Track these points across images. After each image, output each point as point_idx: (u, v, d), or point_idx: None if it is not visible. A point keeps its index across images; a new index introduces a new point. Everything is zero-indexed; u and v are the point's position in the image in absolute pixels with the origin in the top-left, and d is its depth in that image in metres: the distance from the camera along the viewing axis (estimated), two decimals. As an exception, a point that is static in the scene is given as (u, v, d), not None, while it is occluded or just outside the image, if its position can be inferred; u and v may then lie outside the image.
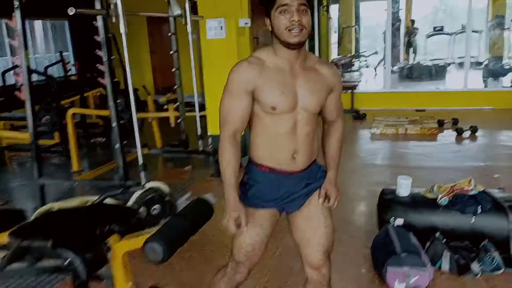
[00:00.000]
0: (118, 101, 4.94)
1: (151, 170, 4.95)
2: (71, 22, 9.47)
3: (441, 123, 6.25)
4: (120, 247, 1.87)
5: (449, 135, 5.92)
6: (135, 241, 1.81)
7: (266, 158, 1.76)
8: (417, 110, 7.43)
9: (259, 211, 1.80)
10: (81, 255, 1.70)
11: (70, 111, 5.03)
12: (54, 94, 5.66)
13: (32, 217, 2.33)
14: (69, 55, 9.79)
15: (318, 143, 1.86)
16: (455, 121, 6.27)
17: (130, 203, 3.63)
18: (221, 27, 4.80)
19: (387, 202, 3.00)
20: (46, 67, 7.91)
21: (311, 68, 1.72)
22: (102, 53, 3.54)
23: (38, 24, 10.56)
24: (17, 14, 3.62)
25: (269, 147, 1.74)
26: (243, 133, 1.81)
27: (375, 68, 12.51)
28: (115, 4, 3.31)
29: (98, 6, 3.37)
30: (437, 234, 2.76)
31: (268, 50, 1.71)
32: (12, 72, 6.80)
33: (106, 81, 3.62)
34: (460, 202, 2.81)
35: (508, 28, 11.29)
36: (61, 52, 8.08)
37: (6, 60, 9.15)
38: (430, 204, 2.90)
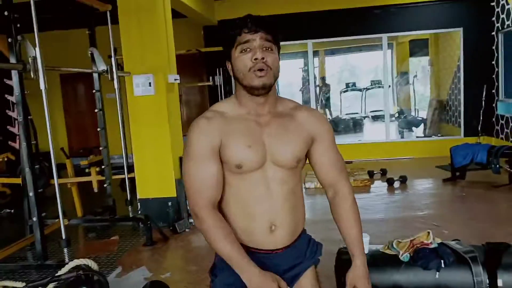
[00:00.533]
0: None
1: (71, 244, 4.38)
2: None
3: (371, 174, 6.34)
4: None
5: (380, 186, 6.00)
6: None
7: (237, 233, 1.43)
8: (345, 162, 7.52)
9: None
10: None
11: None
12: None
13: None
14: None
15: (304, 210, 1.56)
16: (383, 172, 6.41)
17: (50, 286, 3.09)
18: (150, 83, 4.52)
19: (346, 263, 2.78)
20: None
21: (283, 114, 1.45)
22: (17, 113, 3.09)
23: None
24: None
25: (241, 218, 1.43)
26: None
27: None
28: (34, 58, 2.93)
29: (13, 60, 2.97)
30: (404, 295, 2.58)
31: (228, 101, 1.46)
32: None
33: (21, 144, 3.14)
34: (422, 257, 2.68)
35: (412, 83, 12.27)
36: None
37: None
38: (391, 261, 2.73)
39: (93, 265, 3.07)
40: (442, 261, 2.63)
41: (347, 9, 7.48)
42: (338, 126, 11.47)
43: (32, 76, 2.95)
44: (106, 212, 4.75)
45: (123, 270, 3.62)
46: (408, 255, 2.71)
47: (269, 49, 1.35)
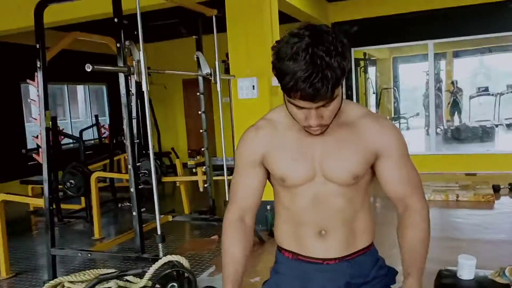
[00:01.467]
0: (141, 161, 4.73)
1: (175, 239, 4.59)
2: (109, 86, 9.64)
3: (496, 189, 5.62)
4: None
5: (507, 202, 5.28)
6: None
7: (288, 240, 1.33)
8: (467, 174, 6.81)
9: None
10: None
11: (94, 175, 4.80)
12: (83, 157, 5.51)
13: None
14: (105, 120, 9.89)
15: (371, 224, 1.36)
16: (512, 186, 5.64)
17: (145, 279, 3.25)
18: (253, 87, 4.56)
19: (447, 287, 2.46)
20: (81, 131, 7.92)
21: (345, 124, 1.25)
22: (123, 113, 3.30)
23: (79, 89, 10.88)
24: (39, 74, 3.50)
25: (289, 224, 1.32)
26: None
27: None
28: (138, 61, 3.11)
29: (120, 63, 3.19)
30: (515, 334, 2.18)
31: (281, 108, 1.29)
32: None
33: (126, 141, 3.35)
34: (542, 290, 2.25)
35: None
36: (96, 116, 8.09)
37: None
38: (502, 291, 2.35)
39: (185, 263, 3.17)
40: None
41: (472, 5, 6.74)
42: (462, 134, 10.46)
43: (136, 78, 3.12)
44: (209, 212, 4.89)
45: (216, 270, 3.68)
46: (524, 286, 2.29)
47: (327, 105, 1.12)
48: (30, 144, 7.85)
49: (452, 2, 6.77)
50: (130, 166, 3.28)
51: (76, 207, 5.97)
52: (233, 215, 1.32)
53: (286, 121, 1.26)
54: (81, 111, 11.98)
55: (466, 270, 2.47)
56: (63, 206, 5.77)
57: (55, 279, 3.43)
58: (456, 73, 14.29)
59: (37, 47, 3.43)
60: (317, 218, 1.26)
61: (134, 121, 4.30)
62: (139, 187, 3.37)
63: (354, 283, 1.27)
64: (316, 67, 1.03)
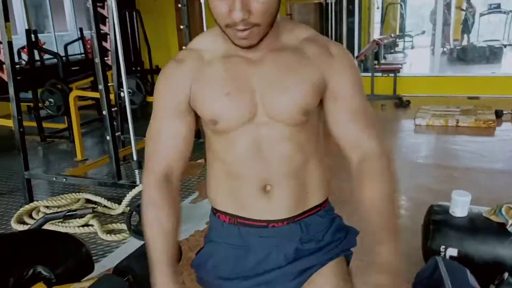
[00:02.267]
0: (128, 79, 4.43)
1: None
2: (95, -3, 9.00)
3: (499, 114, 5.35)
4: (40, 306, 1.30)
5: (509, 129, 5.05)
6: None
7: (224, 200, 1.07)
8: (469, 98, 6.51)
9: None
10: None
11: (73, 94, 4.51)
12: (62, 74, 5.18)
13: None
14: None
15: (326, 176, 1.10)
16: (516, 113, 5.38)
17: (122, 205, 3.11)
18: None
19: (437, 225, 2.28)
20: (66, 45, 7.50)
21: (287, 48, 0.98)
22: (108, 25, 2.94)
23: (66, 1, 10.23)
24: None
25: (225, 181, 1.05)
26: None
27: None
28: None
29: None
30: (506, 275, 2.03)
31: (212, 33, 1.01)
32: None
33: (111, 56, 3.03)
34: (540, 231, 2.07)
35: None
36: (81, 29, 7.61)
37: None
38: (496, 230, 2.17)
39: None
40: None
41: None
42: (468, 55, 10.00)
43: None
44: (197, 134, 4.68)
45: (199, 196, 3.53)
46: (520, 226, 2.11)
47: None
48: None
49: None
50: (100, 86, 2.98)
51: (59, 126, 5.75)
52: (156, 175, 1.02)
53: (215, 47, 0.99)
54: (69, 25, 11.38)
55: (460, 207, 2.28)
56: (46, 125, 5.55)
57: (30, 203, 3.30)
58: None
59: None
60: (260, 170, 1.00)
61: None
62: (114, 108, 3.10)
63: (305, 249, 1.04)
64: None
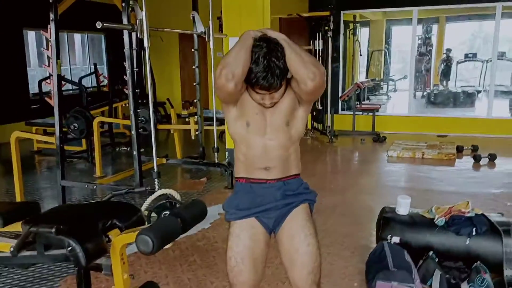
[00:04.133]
0: (139, 110, 5.24)
1: (168, 180, 5.19)
2: (107, 36, 9.95)
3: (460, 149, 6.23)
4: (119, 240, 2.05)
5: (466, 161, 5.90)
6: (132, 236, 1.97)
7: (243, 172, 1.86)
8: (438, 136, 7.42)
9: (237, 223, 1.85)
10: (81, 243, 1.88)
11: (97, 120, 5.31)
12: (85, 103, 5.99)
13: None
14: (103, 67, 10.28)
15: (299, 162, 1.88)
16: (474, 148, 6.24)
17: (142, 208, 3.84)
18: (243, 46, 4.99)
19: (386, 220, 3.07)
20: (81, 78, 8.34)
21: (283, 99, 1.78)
22: (126, 65, 3.78)
23: (77, 37, 11.15)
24: (51, 26, 3.93)
25: (246, 164, 1.84)
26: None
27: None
28: (141, 20, 3.56)
29: (125, 21, 3.64)
30: (430, 253, 2.81)
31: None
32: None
33: (129, 91, 3.85)
34: (457, 223, 2.86)
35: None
36: (95, 64, 8.50)
37: (45, 70, 9.70)
38: (427, 224, 2.96)
39: (177, 196, 3.77)
40: (474, 229, 2.80)
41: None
42: (445, 98, 10.98)
43: (138, 35, 3.59)
44: (200, 157, 5.46)
45: (203, 205, 4.28)
46: (444, 219, 2.92)
47: (277, 90, 1.66)
48: (32, 89, 8.31)
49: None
50: (131, 112, 3.79)
51: (76, 148, 6.51)
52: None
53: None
54: (78, 59, 12.30)
55: (403, 207, 3.09)
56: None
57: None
58: (448, 39, 14.60)
59: (50, 1, 3.84)
60: (264, 161, 1.80)
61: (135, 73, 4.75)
62: (140, 130, 3.89)
63: (287, 195, 1.85)
64: (270, 69, 1.60)
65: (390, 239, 2.96)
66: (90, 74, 8.94)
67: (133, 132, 3.80)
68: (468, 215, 2.88)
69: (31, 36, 11.22)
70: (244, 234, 1.82)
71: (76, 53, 12.21)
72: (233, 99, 1.75)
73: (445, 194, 4.55)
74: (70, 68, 9.91)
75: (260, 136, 1.78)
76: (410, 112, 8.29)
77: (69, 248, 1.89)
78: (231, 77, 1.58)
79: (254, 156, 1.80)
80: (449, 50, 13.63)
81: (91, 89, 9.49)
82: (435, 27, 14.02)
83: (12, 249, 2.01)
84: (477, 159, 5.75)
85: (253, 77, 1.61)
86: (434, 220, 2.93)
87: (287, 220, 1.84)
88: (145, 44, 3.63)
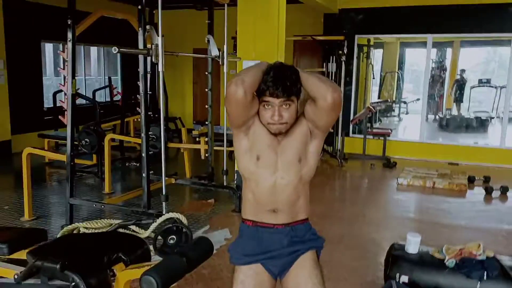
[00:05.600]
0: (152, 126, 5.26)
1: (176, 200, 5.17)
2: (123, 50, 10.05)
3: (471, 180, 6.14)
4: (124, 276, 2.04)
5: (478, 193, 5.80)
6: (137, 272, 1.96)
7: (250, 213, 1.84)
8: (450, 163, 7.34)
9: (241, 268, 1.82)
10: (85, 279, 1.87)
11: (108, 136, 5.34)
12: (98, 118, 6.04)
13: (57, 236, 2.53)
14: (117, 79, 10.38)
15: (308, 205, 1.85)
16: (486, 179, 6.15)
17: (149, 231, 3.83)
18: (257, 69, 5.01)
19: (394, 258, 3.02)
20: (94, 91, 8.43)
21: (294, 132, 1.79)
22: (140, 86, 3.80)
23: (93, 49, 11.29)
24: (69, 46, 3.98)
25: (253, 203, 1.84)
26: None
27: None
28: (156, 45, 3.59)
29: (141, 45, 3.67)
30: (438, 295, 2.75)
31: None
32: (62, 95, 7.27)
33: (141, 112, 3.87)
34: (467, 266, 2.80)
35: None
36: (109, 78, 8.59)
37: (59, 79, 9.81)
38: (437, 264, 2.90)
39: (184, 220, 3.75)
40: (485, 272, 2.74)
41: (471, 4, 7.10)
42: (457, 124, 10.89)
43: (153, 60, 3.61)
44: (208, 178, 5.45)
45: (210, 229, 4.26)
46: (454, 261, 2.86)
47: (288, 105, 1.67)
48: (46, 99, 8.41)
49: (451, 0, 7.13)
50: (143, 134, 3.80)
51: (86, 162, 6.54)
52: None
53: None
54: (94, 70, 12.43)
55: (412, 245, 3.04)
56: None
57: (72, 224, 4.02)
58: (462, 63, 14.53)
59: (69, 22, 3.89)
60: (273, 202, 1.77)
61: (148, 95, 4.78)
62: (150, 152, 3.89)
63: (294, 241, 1.81)
64: (280, 76, 1.65)
65: (399, 278, 2.91)
66: (104, 87, 9.03)
67: (143, 154, 3.81)
68: (480, 258, 2.82)
69: (48, 45, 11.40)
70: (248, 281, 1.79)
71: (91, 65, 12.34)
72: (243, 116, 1.72)
73: (455, 228, 4.48)
74: (85, 79, 10.01)
75: (271, 173, 1.76)
76: (421, 138, 8.22)
77: (73, 284, 1.88)
78: (240, 83, 1.61)
79: (262, 195, 1.78)
80: (463, 71, 13.53)
81: (104, 102, 9.57)
82: (449, 51, 14.01)
83: (16, 276, 2.01)
84: (488, 191, 5.66)
85: (263, 85, 1.65)
86: (445, 261, 2.87)
87: (294, 267, 1.81)
88: (160, 69, 3.65)
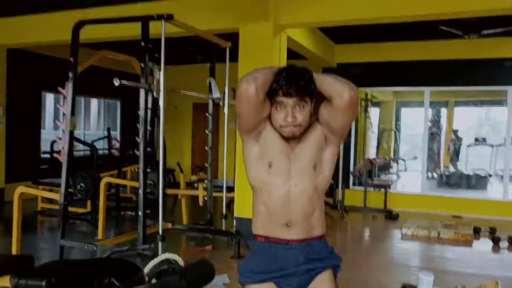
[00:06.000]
0: (149, 170, 5.15)
1: (172, 246, 4.96)
2: (123, 102, 10.16)
3: (477, 231, 5.96)
4: (116, 301, 1.86)
5: (485, 243, 5.61)
6: (131, 297, 1.79)
7: (262, 228, 1.73)
8: (453, 216, 7.17)
9: (254, 287, 1.69)
10: (74, 301, 1.70)
11: (104, 180, 5.22)
12: (95, 164, 5.94)
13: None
14: (116, 134, 10.38)
15: (323, 220, 1.73)
16: (492, 230, 5.96)
17: (144, 272, 3.62)
18: (256, 114, 5.00)
19: (406, 298, 2.82)
20: (93, 141, 8.38)
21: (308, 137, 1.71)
22: (140, 124, 3.75)
23: (94, 103, 11.41)
24: (70, 85, 3.98)
25: (265, 217, 1.73)
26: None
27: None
28: (158, 80, 3.58)
29: (142, 80, 3.67)
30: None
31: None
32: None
33: (140, 149, 3.79)
34: (485, 305, 2.61)
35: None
36: (108, 128, 8.58)
37: (58, 133, 9.81)
38: (452, 305, 2.71)
39: (181, 262, 3.55)
40: (505, 312, 2.54)
41: (467, 59, 7.28)
42: (456, 180, 10.84)
43: (154, 95, 3.59)
44: (206, 225, 5.26)
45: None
46: (470, 301, 2.66)
47: (302, 106, 1.60)
48: (43, 147, 8.34)
49: (447, 55, 7.32)
50: (141, 170, 3.70)
51: (79, 210, 6.36)
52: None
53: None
54: (93, 124, 12.49)
55: (425, 285, 2.84)
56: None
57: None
58: (457, 122, 14.76)
59: (71, 60, 3.92)
60: (287, 213, 1.65)
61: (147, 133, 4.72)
62: (147, 190, 3.77)
63: (310, 258, 1.67)
64: (292, 75, 1.59)
65: (411, 320, 2.70)
66: (103, 138, 8.99)
67: (141, 191, 3.69)
68: (497, 297, 2.64)
69: (49, 98, 11.51)
70: None
71: (91, 119, 12.43)
72: (254, 117, 1.63)
73: (464, 276, 4.27)
74: (84, 133, 10.02)
75: (284, 181, 1.64)
76: (423, 190, 8.10)
77: (60, 306, 1.71)
78: (252, 80, 1.54)
79: (275, 206, 1.65)
80: (455, 131, 13.73)
81: (102, 152, 9.50)
82: (444, 111, 14.25)
83: (-3, 300, 1.84)
84: (496, 241, 5.47)
85: (275, 84, 1.58)
86: (460, 301, 2.69)
87: (311, 287, 1.66)
88: (161, 103, 3.63)
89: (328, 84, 1.60)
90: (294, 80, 1.57)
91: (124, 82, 3.30)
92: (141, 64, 3.68)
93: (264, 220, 1.70)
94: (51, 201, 7.06)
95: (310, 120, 1.65)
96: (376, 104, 12.99)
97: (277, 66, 1.70)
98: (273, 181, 1.65)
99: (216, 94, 4.71)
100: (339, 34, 7.07)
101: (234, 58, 5.05)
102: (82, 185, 5.54)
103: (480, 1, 4.42)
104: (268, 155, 1.66)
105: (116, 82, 3.23)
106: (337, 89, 1.57)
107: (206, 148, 4.93)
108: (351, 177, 8.11)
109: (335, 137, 1.69)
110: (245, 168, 1.76)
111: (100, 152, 9.47)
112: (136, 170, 7.49)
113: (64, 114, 4.10)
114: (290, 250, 1.66)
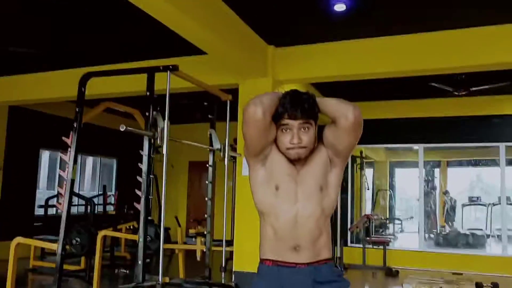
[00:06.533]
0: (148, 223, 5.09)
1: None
2: (119, 161, 10.20)
3: (479, 286, 5.86)
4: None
5: (489, 298, 5.50)
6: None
7: (270, 252, 1.73)
8: (453, 273, 7.05)
9: None
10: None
11: (101, 233, 5.14)
12: (91, 220, 5.87)
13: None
14: (111, 194, 10.31)
15: (330, 243, 1.75)
16: (494, 285, 5.87)
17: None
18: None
19: None
20: (89, 198, 8.32)
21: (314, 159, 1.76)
22: (143, 171, 3.78)
23: (88, 164, 11.42)
24: (74, 134, 4.04)
25: (272, 241, 1.74)
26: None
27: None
28: (162, 128, 3.67)
29: (147, 128, 3.75)
30: None
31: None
32: (55, 201, 7.17)
33: (141, 200, 3.79)
34: None
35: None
36: (104, 186, 8.56)
37: (52, 193, 9.73)
38: None
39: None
40: None
41: (459, 116, 7.52)
42: (453, 240, 10.74)
43: (158, 142, 3.66)
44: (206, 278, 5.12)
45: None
46: None
47: (307, 128, 1.66)
48: (37, 205, 8.24)
49: (440, 112, 7.57)
50: (141, 217, 3.68)
51: (73, 267, 6.19)
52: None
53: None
54: (87, 185, 12.41)
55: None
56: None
57: None
58: (450, 182, 14.88)
59: (77, 110, 4.02)
60: (294, 237, 1.67)
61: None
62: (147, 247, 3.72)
63: (318, 282, 1.67)
64: (297, 99, 1.67)
65: None
66: (98, 195, 8.94)
67: (141, 239, 3.64)
68: None
69: (44, 158, 11.51)
70: None
71: (85, 179, 12.36)
72: (262, 140, 1.67)
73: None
74: (78, 191, 9.95)
75: (291, 204, 1.67)
76: (422, 247, 8.02)
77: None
78: (259, 102, 1.60)
79: (283, 229, 1.67)
80: (447, 192, 13.86)
81: (97, 209, 9.38)
82: (437, 171, 14.39)
83: None
84: (499, 296, 5.37)
85: (280, 108, 1.65)
86: None
87: None
88: (164, 151, 3.68)
89: (332, 106, 1.68)
90: (299, 103, 1.65)
91: (130, 128, 3.37)
92: (146, 113, 3.78)
93: (272, 243, 1.71)
94: (43, 258, 6.90)
95: (315, 142, 1.71)
96: (370, 164, 13.13)
97: (280, 91, 1.78)
98: (280, 205, 1.68)
99: (217, 145, 4.78)
100: (332, 91, 7.30)
101: (233, 117, 5.10)
102: (78, 239, 5.46)
103: (468, 57, 4.66)
104: (275, 178, 1.70)
105: (122, 128, 3.30)
106: (342, 110, 1.64)
107: (206, 198, 4.91)
108: (349, 234, 8.04)
109: (340, 160, 1.74)
110: (251, 193, 1.79)
111: (96, 206, 9.39)
112: (132, 227, 7.47)
113: (66, 163, 4.13)
114: (298, 274, 1.66)
